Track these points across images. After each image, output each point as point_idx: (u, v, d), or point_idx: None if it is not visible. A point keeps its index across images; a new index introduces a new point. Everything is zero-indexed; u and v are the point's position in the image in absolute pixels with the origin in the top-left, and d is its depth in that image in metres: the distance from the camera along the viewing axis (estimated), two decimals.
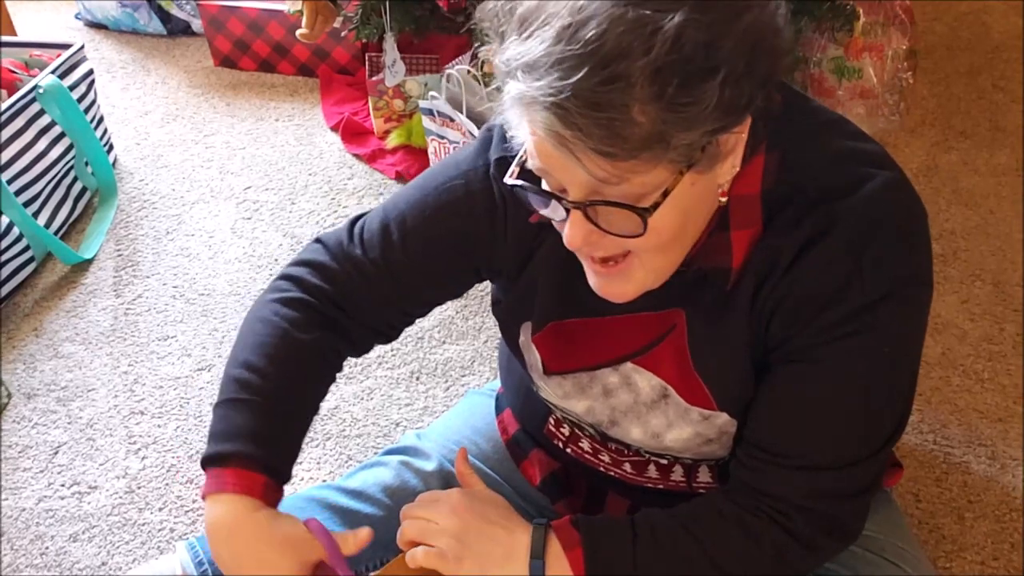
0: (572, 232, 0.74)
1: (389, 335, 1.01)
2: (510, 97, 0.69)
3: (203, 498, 0.88)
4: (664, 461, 0.98)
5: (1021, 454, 1.47)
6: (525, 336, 0.97)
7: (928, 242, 0.83)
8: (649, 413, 0.92)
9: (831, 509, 0.86)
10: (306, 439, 1.52)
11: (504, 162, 0.89)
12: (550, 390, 0.97)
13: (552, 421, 1.05)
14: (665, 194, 0.71)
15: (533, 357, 0.96)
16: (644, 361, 0.90)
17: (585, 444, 1.03)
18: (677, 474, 0.99)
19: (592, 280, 0.82)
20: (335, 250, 0.96)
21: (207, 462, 0.88)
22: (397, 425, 1.55)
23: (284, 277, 0.98)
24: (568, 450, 1.05)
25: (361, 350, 1.00)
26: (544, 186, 0.76)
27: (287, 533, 0.86)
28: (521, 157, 0.78)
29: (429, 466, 1.13)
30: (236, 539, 0.85)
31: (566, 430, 1.04)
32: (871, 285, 0.78)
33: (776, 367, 0.84)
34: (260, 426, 0.89)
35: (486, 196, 0.91)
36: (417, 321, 1.03)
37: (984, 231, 1.89)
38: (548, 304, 0.92)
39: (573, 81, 0.64)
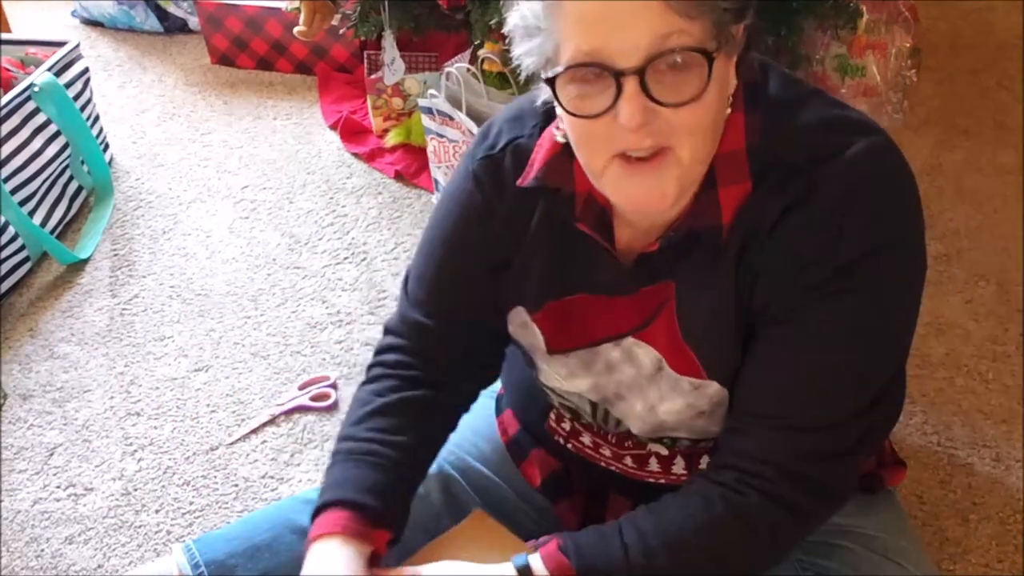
0: (630, 108, 0.73)
1: (490, 375, 1.06)
2: None
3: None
4: (664, 452, 0.97)
5: None
6: (519, 319, 0.97)
7: (913, 205, 0.83)
8: (649, 386, 0.92)
9: (814, 471, 0.85)
10: (305, 440, 1.52)
11: (489, 160, 0.92)
12: (553, 371, 0.97)
13: (553, 416, 1.05)
14: (716, 48, 0.73)
15: (534, 338, 0.96)
16: (644, 335, 0.90)
17: (586, 438, 1.02)
18: (678, 467, 0.98)
19: (624, 192, 0.80)
20: (400, 327, 1.01)
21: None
22: None
23: (371, 366, 1.02)
24: (569, 446, 1.05)
25: (469, 397, 1.04)
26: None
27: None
28: (551, 67, 0.77)
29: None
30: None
31: (567, 425, 1.04)
32: (851, 248, 0.79)
33: (760, 330, 0.85)
34: (343, 477, 0.94)
35: (479, 210, 0.94)
36: None
37: (988, 231, 1.88)
38: (543, 284, 0.93)
39: None
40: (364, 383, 1.01)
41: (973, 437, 1.50)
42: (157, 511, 1.43)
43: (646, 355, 0.91)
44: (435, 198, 2.01)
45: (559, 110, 0.79)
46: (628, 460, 1.00)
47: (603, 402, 0.97)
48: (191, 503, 1.44)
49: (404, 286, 1.03)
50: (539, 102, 0.89)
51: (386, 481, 0.93)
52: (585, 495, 1.11)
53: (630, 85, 0.73)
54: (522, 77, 0.81)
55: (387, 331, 1.03)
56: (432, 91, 1.87)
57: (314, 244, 1.91)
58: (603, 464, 1.03)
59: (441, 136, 1.89)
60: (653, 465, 0.99)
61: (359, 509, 0.90)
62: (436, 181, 1.98)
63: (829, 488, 0.87)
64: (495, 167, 0.93)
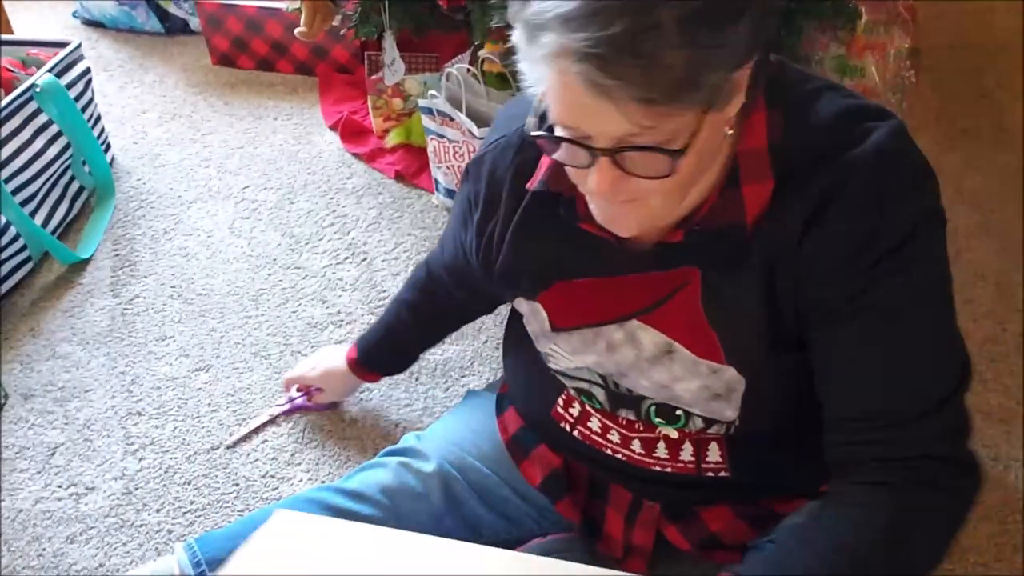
0: (600, 179, 0.76)
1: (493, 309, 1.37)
2: (545, 52, 0.70)
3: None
4: (674, 435, 0.98)
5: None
6: (522, 308, 1.00)
7: (936, 179, 0.85)
8: (651, 368, 0.93)
9: (951, 449, 0.85)
10: (306, 440, 1.52)
11: (478, 159, 0.99)
12: (560, 351, 0.99)
13: (561, 402, 1.05)
14: (692, 135, 0.74)
15: (541, 320, 0.98)
16: (650, 318, 0.92)
17: (594, 423, 1.02)
18: (686, 453, 0.99)
19: (599, 212, 0.85)
20: (435, 262, 1.24)
21: None
22: (396, 426, 1.54)
23: (429, 264, 1.26)
24: (576, 433, 1.05)
25: (478, 315, 1.42)
26: (561, 134, 0.77)
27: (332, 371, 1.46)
28: (539, 109, 0.79)
29: (428, 467, 1.12)
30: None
31: (575, 410, 1.04)
32: (900, 223, 0.80)
33: (823, 331, 0.84)
34: (376, 330, 1.39)
35: (467, 203, 1.03)
36: None
37: (987, 231, 1.88)
38: (544, 270, 0.96)
39: (613, 31, 0.67)
40: (424, 265, 1.27)
41: (972, 437, 1.50)
42: (158, 510, 1.43)
43: (650, 339, 0.92)
44: (435, 198, 2.01)
45: None
46: (636, 445, 1.00)
47: (609, 376, 0.98)
48: (192, 502, 1.44)
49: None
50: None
51: (397, 348, 1.39)
52: (585, 492, 1.11)
53: (602, 161, 0.75)
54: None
55: (441, 246, 1.21)
56: (432, 92, 1.87)
57: (315, 244, 1.92)
58: (609, 451, 1.03)
59: (441, 136, 1.89)
60: (661, 451, 1.00)
61: (364, 357, 1.40)
62: (436, 181, 1.98)
63: (968, 463, 0.87)
64: (480, 163, 0.99)
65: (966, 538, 1.36)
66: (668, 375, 0.93)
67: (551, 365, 1.02)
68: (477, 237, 1.01)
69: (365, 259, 1.87)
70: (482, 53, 1.86)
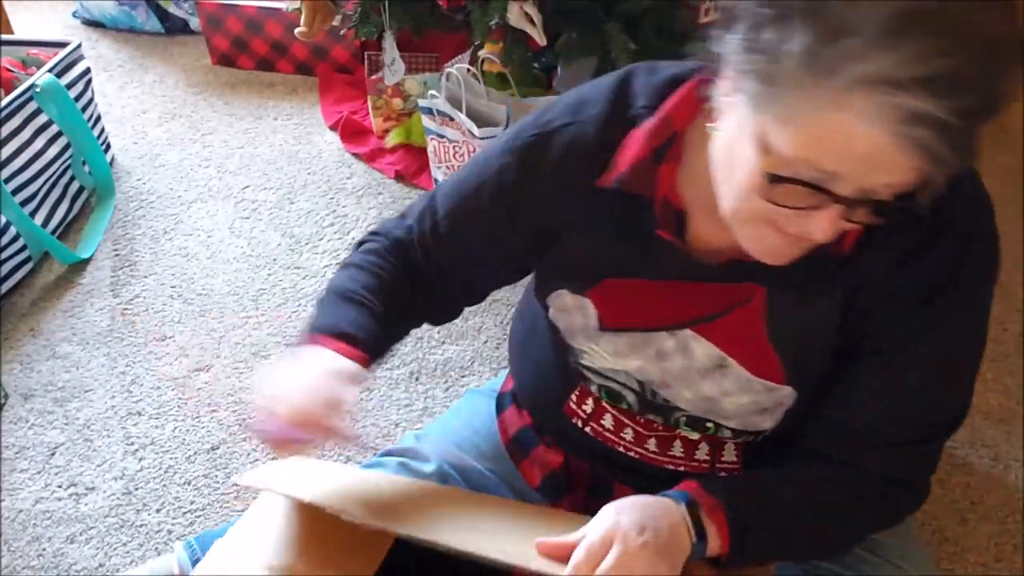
0: (826, 226, 0.73)
1: (471, 304, 1.11)
2: (887, 112, 0.64)
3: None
4: (694, 436, 0.97)
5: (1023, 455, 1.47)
6: (560, 302, 0.97)
7: None
8: (702, 381, 0.92)
9: (922, 481, 0.92)
10: None
11: (536, 139, 0.93)
12: (600, 350, 0.97)
13: (574, 398, 1.04)
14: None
15: (583, 316, 0.96)
16: (704, 329, 0.91)
17: (608, 420, 1.01)
18: (702, 452, 0.98)
19: (757, 243, 0.80)
20: (414, 234, 1.04)
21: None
22: (396, 426, 1.54)
23: (370, 234, 1.07)
24: (587, 429, 1.04)
25: (452, 309, 1.10)
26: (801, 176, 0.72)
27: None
28: (766, 146, 0.72)
29: (427, 467, 1.12)
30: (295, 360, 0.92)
31: (589, 406, 1.03)
32: (977, 272, 0.84)
33: (873, 352, 0.86)
34: (336, 314, 0.98)
35: (512, 186, 0.95)
36: None
37: None
38: (598, 265, 0.93)
39: (971, 101, 0.64)
40: (361, 249, 1.04)
41: (972, 436, 1.50)
42: (158, 510, 1.43)
43: (703, 351, 0.91)
44: None
45: (735, 154, 0.76)
46: (651, 443, 1.00)
47: (649, 384, 0.97)
48: (192, 502, 1.44)
49: (432, 199, 1.03)
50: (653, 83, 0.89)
51: (375, 326, 0.98)
52: (586, 491, 1.11)
53: (834, 208, 0.72)
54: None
55: (405, 216, 1.06)
56: (432, 91, 1.87)
57: (315, 244, 1.92)
58: (621, 448, 1.02)
59: (441, 136, 1.89)
60: (677, 449, 0.99)
61: (349, 339, 0.94)
62: (436, 181, 1.98)
63: (925, 492, 0.93)
64: (538, 148, 0.93)
65: (966, 538, 1.36)
66: (718, 389, 0.92)
67: (583, 362, 0.99)
68: (529, 222, 0.96)
69: None
70: (482, 53, 1.86)
